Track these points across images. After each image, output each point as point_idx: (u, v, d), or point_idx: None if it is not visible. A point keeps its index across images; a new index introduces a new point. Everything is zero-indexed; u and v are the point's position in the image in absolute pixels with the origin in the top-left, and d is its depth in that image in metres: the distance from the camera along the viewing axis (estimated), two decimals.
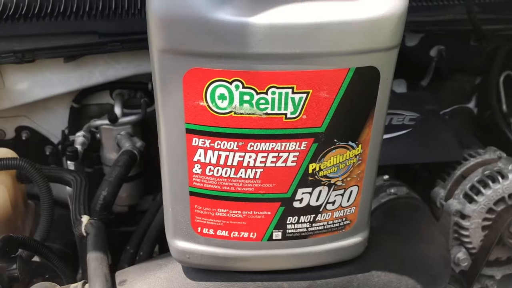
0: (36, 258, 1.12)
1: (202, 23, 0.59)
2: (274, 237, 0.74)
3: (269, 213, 0.71)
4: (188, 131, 0.66)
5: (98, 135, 1.38)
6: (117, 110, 1.35)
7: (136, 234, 1.17)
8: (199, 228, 0.73)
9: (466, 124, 1.51)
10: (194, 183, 0.70)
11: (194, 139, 0.66)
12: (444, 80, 1.48)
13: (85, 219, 0.92)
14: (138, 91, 1.41)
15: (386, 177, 1.12)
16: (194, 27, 0.59)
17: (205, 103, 0.63)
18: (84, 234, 0.91)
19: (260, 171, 0.68)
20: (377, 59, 0.63)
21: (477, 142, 1.26)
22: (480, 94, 1.49)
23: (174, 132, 0.67)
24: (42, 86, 1.29)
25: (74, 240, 1.31)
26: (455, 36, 1.40)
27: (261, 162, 0.67)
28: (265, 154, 0.66)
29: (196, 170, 0.69)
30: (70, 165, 1.24)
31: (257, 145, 0.66)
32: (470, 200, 1.09)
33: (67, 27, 1.20)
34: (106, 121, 1.34)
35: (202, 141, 0.66)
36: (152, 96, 1.41)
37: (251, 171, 0.68)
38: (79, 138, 1.32)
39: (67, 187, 1.20)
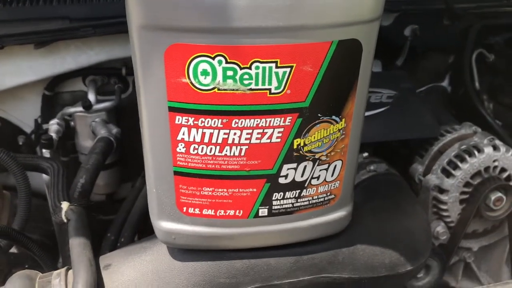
0: (13, 249, 1.10)
1: None
2: (260, 214, 0.73)
3: (254, 190, 0.71)
4: (171, 109, 0.65)
5: (72, 123, 1.35)
6: (91, 96, 1.32)
7: (116, 221, 1.16)
8: (185, 208, 0.73)
9: (440, 102, 1.53)
10: (178, 162, 0.69)
11: (177, 117, 0.65)
12: (419, 59, 1.50)
13: (65, 205, 0.90)
14: (111, 77, 1.38)
15: (365, 154, 1.13)
16: (175, 1, 0.58)
17: (187, 80, 0.62)
18: (65, 220, 0.89)
19: (245, 148, 0.67)
20: (359, 32, 0.63)
21: (452, 118, 1.29)
22: (453, 72, 1.51)
23: (156, 110, 0.66)
24: (12, 74, 1.25)
25: (51, 230, 1.29)
26: (428, 15, 1.42)
27: (246, 139, 0.67)
28: (250, 131, 0.66)
29: (180, 149, 0.68)
30: (46, 153, 1.22)
31: (242, 121, 0.65)
32: (448, 174, 1.11)
33: (36, 13, 1.18)
34: (80, 108, 1.31)
35: (185, 119, 0.65)
36: (126, 81, 1.39)
37: (236, 148, 0.67)
38: (54, 126, 1.29)
39: (44, 177, 1.18)
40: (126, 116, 1.41)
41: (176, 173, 0.70)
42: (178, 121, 0.65)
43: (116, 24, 1.22)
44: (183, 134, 0.66)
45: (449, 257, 1.15)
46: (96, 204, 1.41)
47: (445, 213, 1.12)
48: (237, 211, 0.73)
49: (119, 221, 1.15)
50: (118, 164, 1.41)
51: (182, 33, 0.59)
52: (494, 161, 1.11)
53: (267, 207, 0.73)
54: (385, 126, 1.10)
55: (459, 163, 1.10)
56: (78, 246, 0.80)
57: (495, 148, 1.11)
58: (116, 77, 1.38)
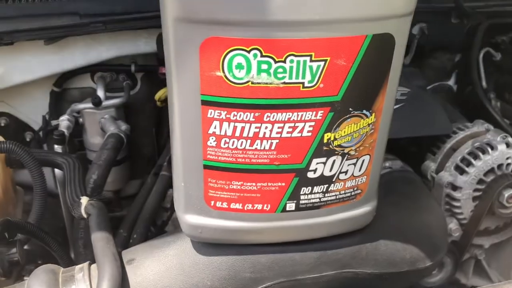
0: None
1: None
2: (287, 209, 0.74)
3: (283, 184, 0.71)
4: (204, 102, 0.65)
5: (81, 120, 1.35)
6: (100, 93, 1.32)
7: (128, 217, 1.15)
8: (213, 202, 0.73)
9: (446, 101, 1.54)
10: (208, 156, 0.69)
11: (210, 110, 0.65)
12: (425, 58, 1.51)
13: (84, 200, 0.89)
14: (120, 74, 1.38)
15: None
16: None
17: (221, 73, 0.62)
18: (85, 215, 0.88)
19: (276, 142, 0.67)
20: (393, 26, 0.63)
21: (462, 116, 1.29)
22: (460, 71, 1.52)
23: (188, 104, 0.66)
24: (21, 70, 1.25)
25: (60, 227, 1.28)
26: (437, 14, 1.43)
27: (277, 132, 0.67)
28: (282, 125, 0.66)
29: (210, 143, 0.68)
30: (57, 149, 1.21)
31: (274, 115, 0.65)
32: (461, 171, 1.11)
33: (46, 8, 1.17)
34: (90, 105, 1.31)
35: (218, 112, 0.65)
36: (134, 78, 1.38)
37: (267, 142, 0.67)
38: (64, 122, 1.28)
39: (57, 172, 1.18)
40: (133, 113, 1.41)
41: (205, 166, 0.70)
42: (211, 115, 0.65)
43: (127, 20, 1.22)
44: (215, 127, 0.66)
45: (462, 254, 1.16)
46: (106, 200, 1.41)
47: (457, 210, 1.13)
48: (265, 205, 0.73)
49: (131, 218, 1.15)
50: (126, 161, 1.41)
51: (219, 26, 0.59)
52: (507, 158, 1.11)
53: (294, 201, 0.73)
54: (401, 123, 1.11)
55: (472, 160, 1.11)
56: (101, 241, 0.79)
57: (508, 145, 1.12)
58: (124, 74, 1.38)
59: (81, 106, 1.33)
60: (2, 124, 1.33)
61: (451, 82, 1.56)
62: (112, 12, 1.20)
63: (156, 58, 1.37)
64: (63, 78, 1.32)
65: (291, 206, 0.73)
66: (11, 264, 0.81)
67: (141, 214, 1.15)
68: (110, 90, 1.35)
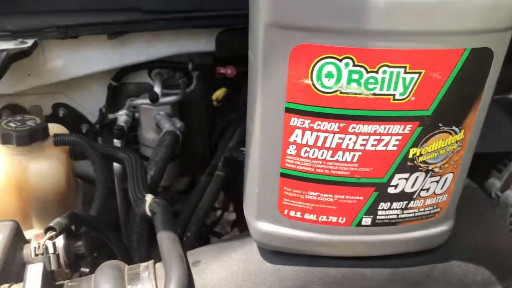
0: None
1: None
2: (363, 223, 0.71)
3: (361, 198, 0.69)
4: (288, 110, 0.63)
5: (136, 114, 1.35)
6: (157, 89, 1.32)
7: (182, 216, 1.15)
8: (286, 211, 0.71)
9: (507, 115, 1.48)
10: (286, 164, 0.67)
11: (293, 119, 0.63)
12: None
13: (149, 198, 0.88)
14: (177, 71, 1.38)
15: None
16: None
17: (310, 81, 0.60)
18: (149, 213, 0.88)
19: (359, 155, 0.65)
20: (493, 40, 0.60)
21: None
22: None
23: (272, 111, 0.64)
24: (82, 63, 1.26)
25: (111, 220, 1.29)
26: None
27: (361, 145, 0.64)
28: (367, 137, 0.64)
29: (290, 151, 0.66)
30: (116, 143, 1.22)
31: (360, 127, 0.63)
32: None
33: (110, 3, 1.18)
34: (146, 100, 1.32)
35: (301, 121, 0.63)
36: (189, 76, 1.38)
37: (349, 154, 0.65)
38: (122, 116, 1.29)
39: (115, 166, 1.18)
40: (187, 111, 1.41)
41: (282, 175, 0.68)
42: (293, 123, 0.64)
43: (189, 18, 1.21)
44: (296, 136, 0.65)
45: None
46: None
47: None
48: (340, 218, 0.71)
49: (185, 216, 1.14)
50: (178, 158, 1.41)
51: (312, 33, 0.57)
52: None
53: (371, 216, 0.71)
54: None
55: None
56: (167, 240, 0.78)
57: None
58: (181, 72, 1.38)
59: (138, 101, 1.34)
60: (61, 115, 1.35)
61: None
62: (174, 9, 1.20)
63: (212, 57, 1.36)
64: (122, 73, 1.33)
65: (367, 221, 0.71)
66: (76, 257, 0.81)
67: (195, 213, 1.14)
68: (165, 87, 1.36)
